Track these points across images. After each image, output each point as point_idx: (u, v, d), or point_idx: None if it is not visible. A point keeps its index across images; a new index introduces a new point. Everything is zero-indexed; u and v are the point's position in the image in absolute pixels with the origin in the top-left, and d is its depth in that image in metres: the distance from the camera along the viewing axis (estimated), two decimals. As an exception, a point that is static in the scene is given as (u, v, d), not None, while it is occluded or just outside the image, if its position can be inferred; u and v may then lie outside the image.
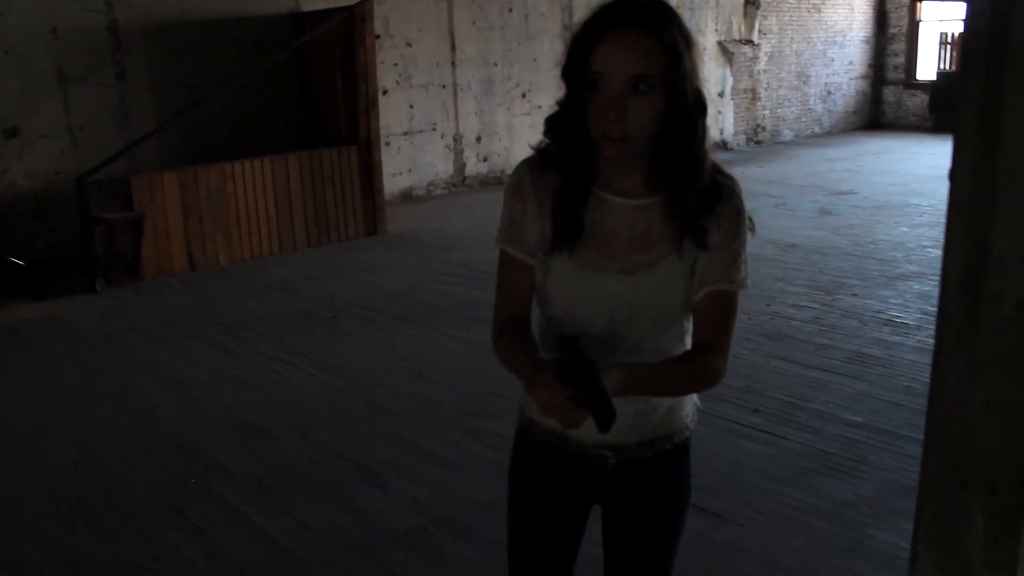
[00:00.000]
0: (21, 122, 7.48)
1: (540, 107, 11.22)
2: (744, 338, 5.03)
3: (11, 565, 3.18)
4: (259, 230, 7.94)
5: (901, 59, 15.84)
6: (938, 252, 1.03)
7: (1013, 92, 0.91)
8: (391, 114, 9.95)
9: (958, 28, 14.55)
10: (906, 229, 8.15)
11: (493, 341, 1.65)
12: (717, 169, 1.56)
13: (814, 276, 6.68)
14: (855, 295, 6.16)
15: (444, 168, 10.89)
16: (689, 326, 1.64)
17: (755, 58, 14.21)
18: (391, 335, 5.69)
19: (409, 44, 10.27)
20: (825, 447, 3.87)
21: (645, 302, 1.57)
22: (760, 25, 14.15)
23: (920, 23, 15.70)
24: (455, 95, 10.79)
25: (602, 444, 1.62)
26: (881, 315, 5.71)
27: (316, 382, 4.92)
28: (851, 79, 15.74)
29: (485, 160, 11.23)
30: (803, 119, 15.16)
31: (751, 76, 14.19)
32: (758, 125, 14.47)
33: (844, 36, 15.46)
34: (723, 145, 13.61)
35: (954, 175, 0.99)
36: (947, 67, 15.11)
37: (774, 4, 14.27)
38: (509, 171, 1.97)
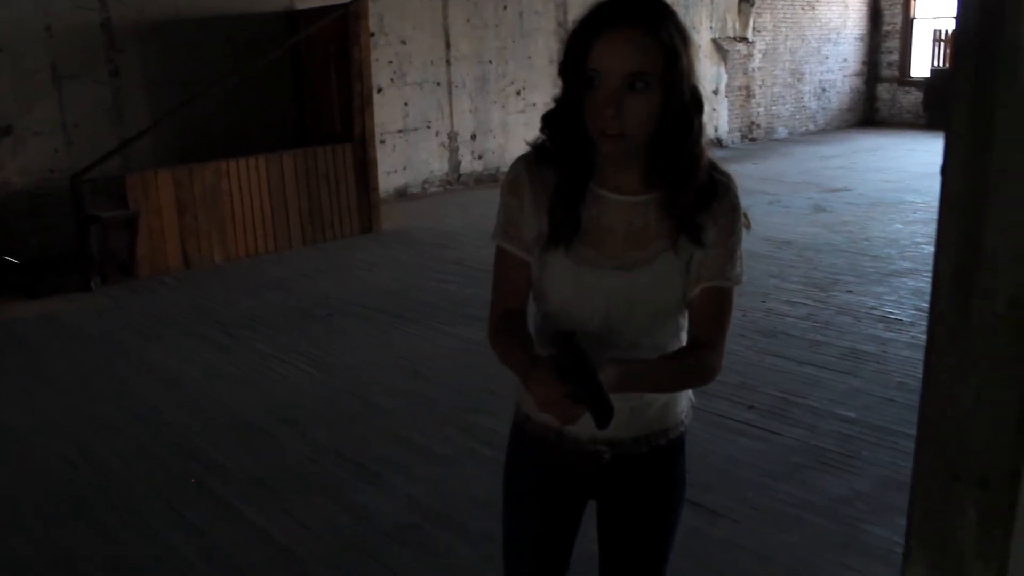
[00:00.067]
0: (15, 120, 7.46)
1: (535, 105, 11.23)
2: (739, 334, 5.04)
3: (9, 565, 3.18)
4: (254, 228, 7.93)
5: (895, 56, 15.86)
6: (932, 249, 1.03)
7: (1004, 89, 0.92)
8: (386, 112, 9.94)
9: (952, 25, 14.57)
10: (900, 226, 8.17)
11: (489, 337, 1.66)
12: (713, 166, 1.56)
13: (808, 273, 6.69)
14: (849, 292, 6.18)
15: (439, 166, 10.89)
16: (685, 322, 1.65)
17: (749, 55, 14.22)
18: (386, 333, 5.70)
19: (404, 42, 10.26)
20: (819, 443, 3.89)
21: (641, 298, 1.58)
22: (754, 22, 14.16)
23: (914, 20, 15.72)
24: (450, 93, 10.79)
25: (598, 440, 1.62)
26: (875, 311, 5.72)
27: (312, 380, 4.92)
28: (845, 76, 15.76)
29: (480, 158, 11.22)
30: (797, 116, 15.18)
31: (745, 73, 14.20)
32: (752, 122, 14.49)
33: (838, 33, 15.48)
34: (718, 142, 13.62)
35: (946, 172, 0.99)
36: (941, 64, 15.13)
37: (768, 1, 14.28)
38: (504, 169, 1.98)
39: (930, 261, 1.07)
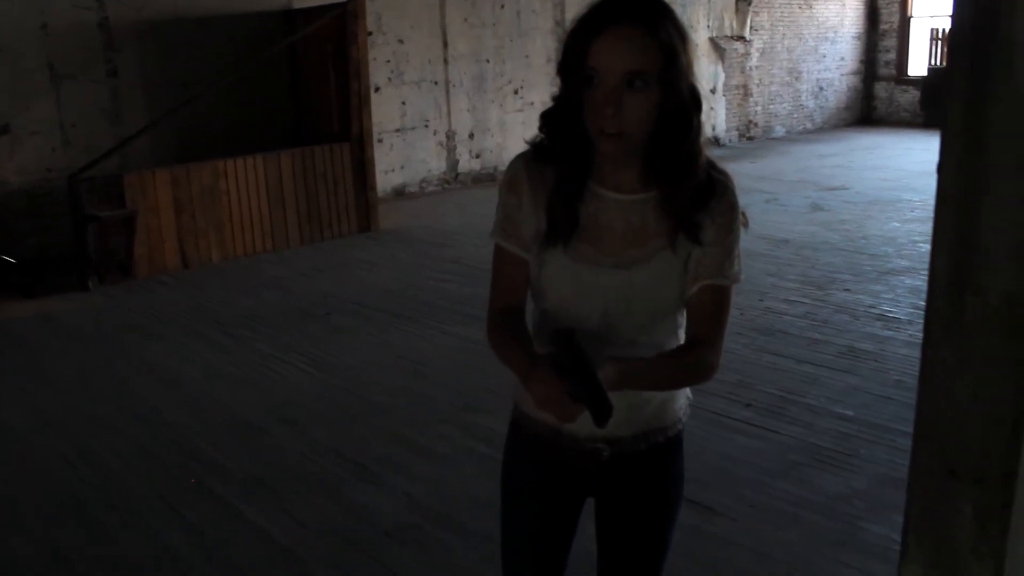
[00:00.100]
0: (12, 119, 7.46)
1: (532, 103, 11.23)
2: (736, 333, 5.05)
3: (9, 564, 3.18)
4: (252, 227, 7.93)
5: (892, 55, 15.87)
6: (929, 247, 1.03)
7: (999, 85, 0.92)
8: (383, 111, 9.93)
9: (949, 24, 14.56)
10: (897, 224, 8.18)
11: (488, 335, 1.66)
12: (711, 165, 1.57)
13: (806, 271, 6.70)
14: (847, 290, 6.19)
15: (437, 165, 10.89)
16: (683, 320, 1.66)
17: (747, 54, 14.23)
18: (385, 332, 5.70)
19: (401, 41, 10.26)
20: (817, 441, 3.89)
21: (640, 297, 1.59)
22: (752, 21, 14.16)
23: (911, 19, 15.73)
24: (447, 92, 10.79)
25: (596, 437, 1.63)
26: (873, 310, 5.73)
27: (311, 379, 4.92)
28: (843, 75, 15.77)
29: (478, 157, 11.23)
30: (795, 115, 15.19)
31: (743, 72, 14.21)
32: (750, 121, 14.50)
33: (835, 32, 15.49)
34: (715, 141, 13.62)
35: (941, 169, 1.00)
36: (938, 63, 15.14)
37: (765, 0, 14.29)
38: (502, 168, 1.98)
39: (927, 259, 1.07)
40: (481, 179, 11.11)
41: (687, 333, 1.64)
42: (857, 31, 15.82)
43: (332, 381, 4.88)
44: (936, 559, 1.11)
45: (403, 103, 10.39)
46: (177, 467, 3.88)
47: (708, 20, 13.56)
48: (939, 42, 15.19)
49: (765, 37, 14.47)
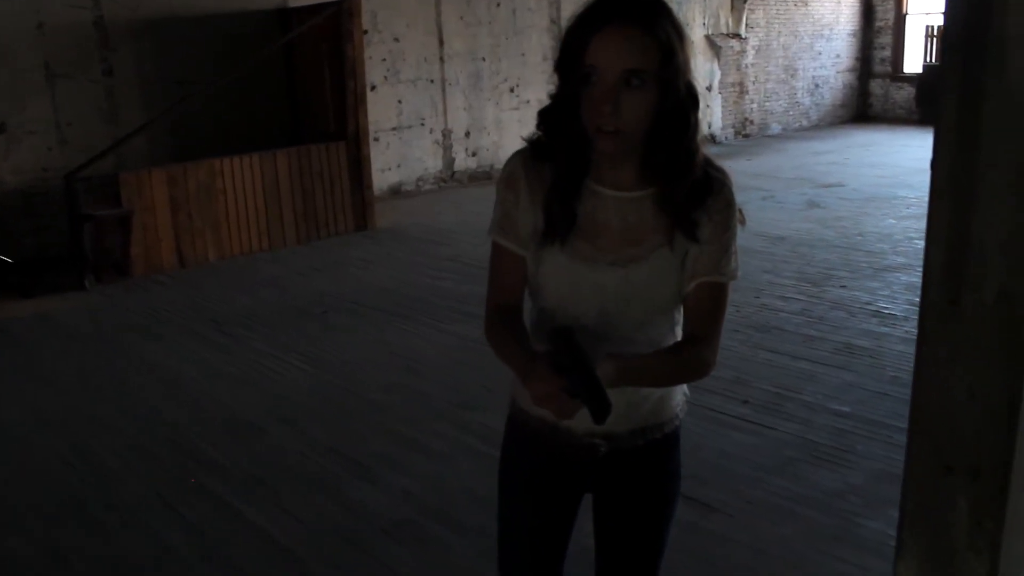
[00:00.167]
0: (8, 118, 7.44)
1: (528, 102, 11.22)
2: (733, 330, 5.06)
3: (8, 564, 3.18)
4: (248, 226, 7.92)
5: (888, 52, 15.88)
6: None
7: (992, 80, 0.93)
8: (379, 109, 9.92)
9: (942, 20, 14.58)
10: (893, 221, 8.19)
11: (485, 332, 1.66)
12: (709, 162, 1.58)
13: (802, 268, 6.71)
14: (843, 287, 6.20)
15: (433, 163, 10.88)
16: (680, 317, 1.66)
17: (743, 52, 14.23)
18: (381, 330, 5.70)
19: (397, 39, 10.24)
20: (813, 437, 3.90)
21: (637, 294, 1.59)
22: (747, 19, 14.16)
23: (906, 16, 15.74)
24: (443, 90, 10.78)
25: (594, 433, 1.63)
26: (869, 306, 5.74)
27: (308, 377, 4.92)
28: (838, 72, 15.78)
29: (474, 155, 11.22)
30: (791, 112, 15.20)
31: (739, 70, 14.21)
32: (746, 119, 14.50)
33: (831, 29, 15.49)
34: (711, 139, 13.63)
35: (935, 166, 1.00)
36: (933, 60, 15.16)
37: (761, -2, 14.31)
38: (498, 166, 1.98)
39: (923, 255, 1.07)
40: (477, 177, 11.11)
41: (684, 330, 1.65)
42: (852, 28, 15.83)
43: (329, 379, 4.88)
44: (932, 554, 1.12)
45: (399, 101, 10.39)
46: (176, 466, 3.88)
47: (704, 18, 13.56)
48: (934, 39, 15.20)
49: (761, 34, 14.47)
